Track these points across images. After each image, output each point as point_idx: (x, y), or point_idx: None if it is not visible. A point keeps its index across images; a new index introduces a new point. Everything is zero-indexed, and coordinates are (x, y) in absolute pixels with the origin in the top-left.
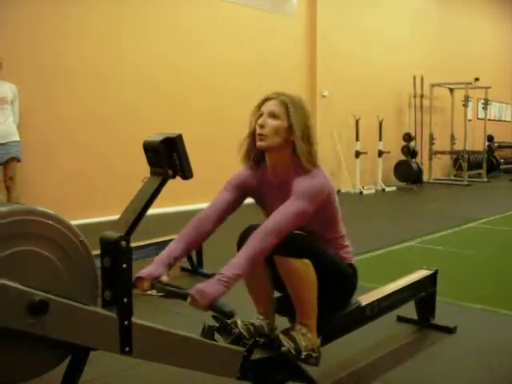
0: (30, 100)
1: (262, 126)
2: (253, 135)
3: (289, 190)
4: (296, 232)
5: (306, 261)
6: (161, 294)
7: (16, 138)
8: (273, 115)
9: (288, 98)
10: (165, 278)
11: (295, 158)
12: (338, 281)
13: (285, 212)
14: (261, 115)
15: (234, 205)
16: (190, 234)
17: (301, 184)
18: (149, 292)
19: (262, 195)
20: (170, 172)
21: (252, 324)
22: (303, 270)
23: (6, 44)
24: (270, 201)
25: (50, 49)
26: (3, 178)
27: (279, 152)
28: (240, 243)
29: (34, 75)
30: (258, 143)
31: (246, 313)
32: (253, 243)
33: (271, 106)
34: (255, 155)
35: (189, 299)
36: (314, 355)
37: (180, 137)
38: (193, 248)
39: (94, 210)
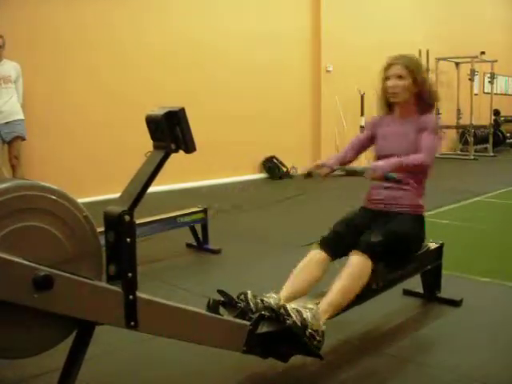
0: (39, 76)
1: (393, 87)
2: (384, 93)
3: (410, 123)
4: (381, 239)
5: (370, 263)
6: (342, 173)
7: (20, 116)
8: (399, 77)
9: (407, 60)
10: (337, 167)
11: (416, 102)
12: (413, 246)
13: (429, 144)
14: (387, 78)
15: (370, 140)
16: (345, 153)
17: (431, 121)
18: (331, 173)
19: (388, 130)
20: (173, 145)
21: (261, 299)
22: (364, 270)
23: (11, 22)
24: (394, 136)
25: (63, 23)
26: (8, 157)
27: (408, 102)
28: (326, 243)
29: (46, 50)
30: (392, 99)
31: (255, 288)
32: (411, 158)
33: (396, 69)
34: (388, 107)
35: (367, 174)
36: (318, 338)
37: (183, 110)
38: (348, 163)
39: (106, 187)
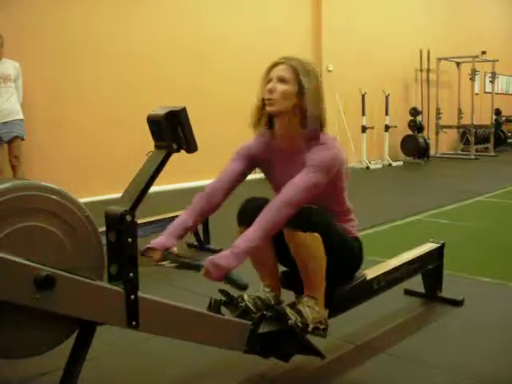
0: (35, 78)
1: (271, 91)
2: (262, 101)
3: (300, 157)
4: (306, 206)
5: (316, 234)
6: (173, 265)
7: (20, 116)
8: (282, 80)
9: (297, 62)
10: (175, 250)
11: (305, 125)
12: (345, 255)
13: (299, 184)
14: (269, 80)
15: (243, 175)
16: (200, 206)
17: (315, 155)
18: (161, 263)
19: (270, 165)
20: (174, 145)
21: (258, 297)
22: (313, 244)
23: (11, 20)
24: (277, 170)
25: (56, 26)
26: (8, 157)
27: (289, 117)
28: (241, 216)
29: (40, 53)
30: (268, 108)
31: (252, 287)
32: (267, 215)
33: (280, 70)
34: (264, 123)
35: (202, 270)
36: (322, 327)
37: (184, 110)
38: (203, 219)
39: (107, 187)
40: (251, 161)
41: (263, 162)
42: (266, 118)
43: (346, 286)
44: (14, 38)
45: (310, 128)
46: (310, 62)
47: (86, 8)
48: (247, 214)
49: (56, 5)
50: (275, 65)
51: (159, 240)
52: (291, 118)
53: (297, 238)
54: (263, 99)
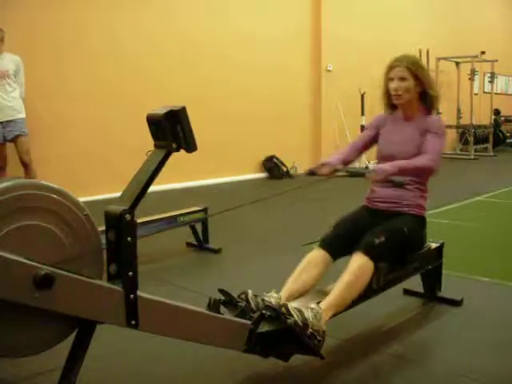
0: (40, 73)
1: (396, 89)
2: (387, 94)
3: (417, 124)
4: (383, 240)
5: (372, 265)
6: (345, 174)
7: (22, 115)
8: (402, 78)
9: (409, 61)
10: (340, 168)
11: (420, 102)
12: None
13: (434, 148)
14: (390, 79)
15: (372, 140)
16: (348, 153)
17: (436, 123)
18: (334, 175)
19: (391, 131)
20: (174, 145)
21: (262, 299)
22: (365, 272)
23: (17, 14)
24: (398, 134)
25: (62, 19)
26: (18, 156)
27: (410, 103)
28: (327, 242)
29: (46, 48)
30: (396, 101)
31: (254, 289)
32: (418, 160)
33: (399, 71)
34: (390, 108)
35: (370, 174)
36: (318, 338)
37: (184, 109)
38: (350, 163)
39: (107, 186)
40: (378, 129)
41: (385, 129)
42: (390, 103)
43: None
44: (14, 38)
45: (427, 105)
46: (417, 57)
47: (78, 10)
48: (333, 242)
49: (47, 6)
50: (393, 67)
51: (329, 160)
52: (412, 102)
53: (358, 261)
54: (387, 93)
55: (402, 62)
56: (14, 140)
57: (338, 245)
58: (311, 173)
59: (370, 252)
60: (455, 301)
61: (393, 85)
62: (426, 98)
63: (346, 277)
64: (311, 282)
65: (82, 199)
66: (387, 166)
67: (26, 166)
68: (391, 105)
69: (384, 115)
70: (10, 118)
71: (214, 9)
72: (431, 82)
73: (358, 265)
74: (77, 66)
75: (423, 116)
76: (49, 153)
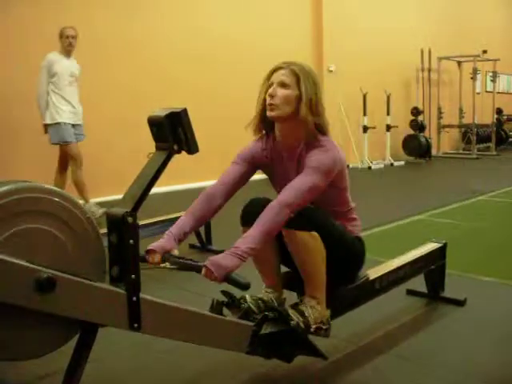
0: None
1: (272, 96)
2: (263, 106)
3: (300, 161)
4: (305, 206)
5: (314, 233)
6: (174, 266)
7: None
8: (283, 84)
9: (298, 66)
10: (176, 252)
11: (306, 129)
12: (346, 254)
13: (298, 186)
14: (270, 85)
15: (244, 178)
16: (200, 209)
17: (314, 158)
18: (162, 265)
19: (272, 168)
20: (175, 146)
21: (261, 299)
22: (311, 243)
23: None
24: (280, 173)
25: (56, 24)
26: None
27: (290, 122)
28: (244, 216)
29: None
30: (269, 113)
31: (254, 288)
32: (267, 217)
33: (281, 75)
34: (266, 127)
35: (203, 271)
36: (324, 327)
37: (185, 111)
38: (203, 222)
39: (108, 188)
40: (252, 164)
41: (265, 165)
42: (267, 121)
43: (348, 287)
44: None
45: (310, 131)
46: (311, 67)
47: (87, 8)
48: (250, 215)
49: (55, 4)
50: (276, 69)
51: (159, 243)
52: (292, 122)
53: (295, 237)
54: (264, 103)
55: (289, 66)
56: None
57: None
58: (142, 259)
59: (296, 224)
60: (458, 301)
61: (270, 90)
62: (310, 122)
63: (299, 255)
64: None
65: (82, 201)
66: (227, 260)
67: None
68: (268, 129)
69: (257, 141)
70: (79, 122)
71: (217, 10)
72: (317, 102)
73: (297, 241)
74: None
75: (306, 147)
76: (49, 154)
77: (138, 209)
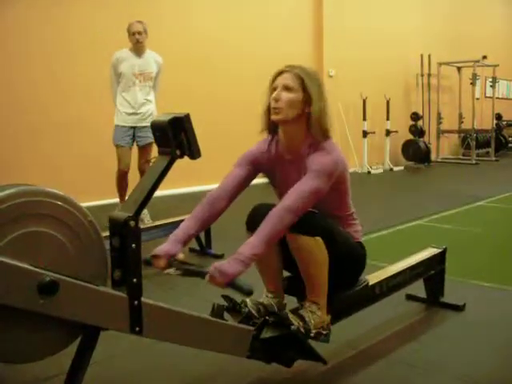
0: (41, 73)
1: (276, 100)
2: (268, 110)
3: (302, 164)
4: (309, 210)
5: (318, 239)
6: (179, 272)
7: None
8: (287, 88)
9: (302, 70)
10: (181, 256)
11: (310, 132)
12: (347, 259)
13: (301, 190)
14: (275, 89)
15: (246, 181)
16: (203, 212)
17: (316, 161)
18: (167, 271)
19: (274, 171)
20: (178, 151)
21: (261, 303)
22: (314, 248)
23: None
24: (282, 176)
25: (57, 26)
26: (138, 162)
27: (294, 125)
28: (249, 222)
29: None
30: (273, 117)
31: (255, 292)
32: (270, 223)
33: (285, 79)
34: (270, 130)
35: (207, 277)
36: (324, 332)
37: (188, 116)
38: (207, 226)
39: (110, 191)
40: (255, 167)
41: (267, 168)
42: (271, 124)
43: (348, 292)
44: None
45: (314, 135)
46: (315, 70)
47: (87, 9)
48: (256, 220)
49: (57, 5)
50: (280, 73)
51: (163, 247)
52: (296, 125)
53: (298, 242)
54: (269, 107)
55: (293, 69)
56: (144, 147)
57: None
58: (147, 262)
59: (299, 229)
60: (458, 306)
61: (274, 94)
62: (314, 125)
63: (302, 260)
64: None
65: (84, 205)
66: (231, 266)
67: (142, 173)
68: (272, 132)
69: (260, 145)
70: (144, 124)
71: (218, 12)
72: (327, 107)
73: (300, 246)
74: (77, 68)
75: (309, 150)
76: (51, 157)
77: (141, 213)
